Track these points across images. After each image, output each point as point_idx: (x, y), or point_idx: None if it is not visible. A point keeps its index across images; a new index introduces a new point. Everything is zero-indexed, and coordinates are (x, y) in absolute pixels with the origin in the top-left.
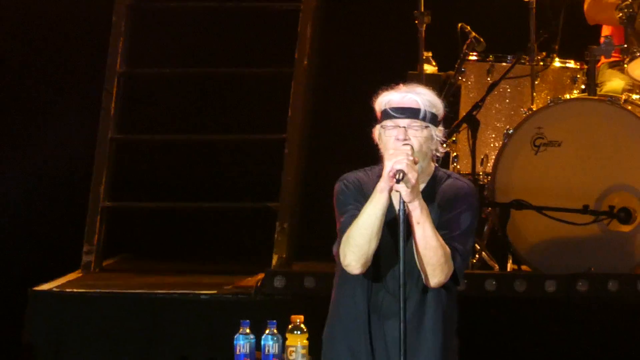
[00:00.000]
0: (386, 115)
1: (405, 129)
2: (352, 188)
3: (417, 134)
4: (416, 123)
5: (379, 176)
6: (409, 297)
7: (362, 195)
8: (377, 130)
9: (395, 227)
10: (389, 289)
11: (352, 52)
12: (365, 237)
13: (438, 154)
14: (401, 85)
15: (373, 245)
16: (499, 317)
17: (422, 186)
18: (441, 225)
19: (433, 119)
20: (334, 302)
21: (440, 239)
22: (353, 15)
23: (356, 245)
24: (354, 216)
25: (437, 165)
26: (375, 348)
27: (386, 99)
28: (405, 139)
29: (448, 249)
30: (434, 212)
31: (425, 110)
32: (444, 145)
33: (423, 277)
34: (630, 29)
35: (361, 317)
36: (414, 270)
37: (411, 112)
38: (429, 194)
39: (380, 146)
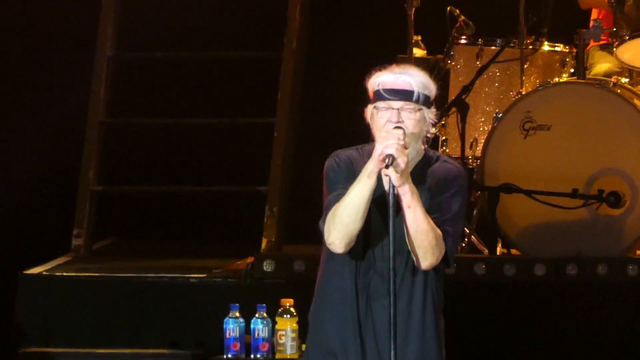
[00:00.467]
0: (379, 96)
1: (398, 111)
2: (343, 166)
3: (410, 116)
4: (409, 105)
5: (370, 155)
6: (397, 278)
7: (353, 174)
8: (369, 111)
9: (384, 208)
10: (377, 269)
11: (341, 36)
12: (350, 217)
13: (429, 135)
14: (394, 65)
15: (358, 225)
16: (488, 301)
17: (412, 167)
18: (432, 208)
19: (426, 101)
20: (321, 281)
21: (431, 222)
22: None
23: (341, 224)
24: (341, 195)
25: (426, 146)
26: (363, 329)
27: (379, 80)
28: (398, 122)
29: (439, 232)
30: (424, 194)
31: (418, 92)
32: (435, 127)
33: (414, 259)
34: (620, 12)
35: (348, 297)
36: (404, 252)
37: (404, 94)
38: (419, 175)
39: (372, 127)
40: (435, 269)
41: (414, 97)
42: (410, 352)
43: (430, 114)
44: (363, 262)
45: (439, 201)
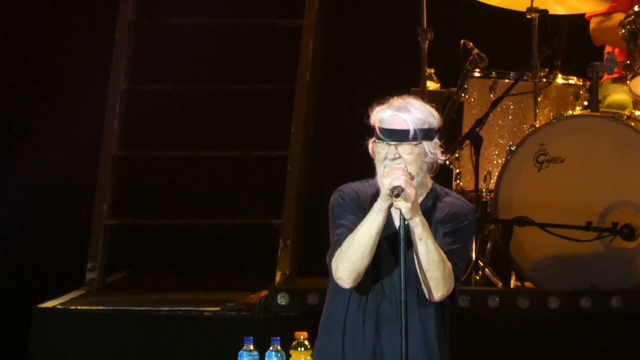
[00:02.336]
0: (377, 135)
1: (395, 146)
2: (349, 200)
3: (407, 150)
4: (405, 144)
5: (376, 187)
6: (408, 308)
7: (359, 206)
8: (371, 144)
9: (393, 240)
10: (385, 296)
11: (354, 69)
12: (358, 254)
13: (439, 161)
14: (395, 99)
15: (365, 262)
16: (502, 333)
17: (420, 199)
18: (442, 238)
19: (426, 135)
20: (327, 314)
21: (442, 253)
22: (355, 32)
23: (349, 261)
24: (349, 230)
25: (433, 175)
26: (372, 354)
27: (378, 117)
28: (394, 158)
29: (449, 264)
30: (433, 228)
31: (415, 130)
32: (444, 154)
33: (426, 291)
34: (633, 45)
35: (355, 324)
36: (413, 284)
37: (400, 134)
38: (427, 209)
39: (375, 159)
40: (442, 304)
41: (410, 136)
42: None
43: (431, 146)
44: (373, 290)
45: (447, 231)
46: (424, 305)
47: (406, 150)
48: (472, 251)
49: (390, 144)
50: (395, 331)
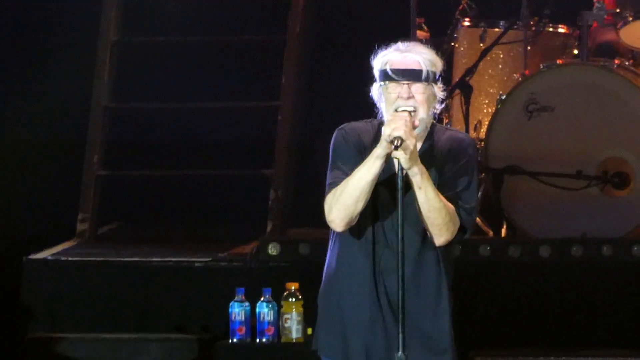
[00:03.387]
0: (387, 76)
1: (408, 86)
2: (351, 140)
3: (420, 90)
4: (418, 83)
5: (380, 128)
6: (413, 253)
7: (360, 149)
8: (376, 89)
9: (394, 187)
10: (389, 243)
11: (345, 19)
12: (352, 198)
13: (436, 111)
14: (399, 43)
15: (360, 206)
16: (494, 282)
17: (421, 142)
18: (443, 183)
19: (434, 78)
20: (331, 262)
21: (443, 199)
22: None
23: (343, 204)
24: (346, 174)
25: (434, 121)
26: (378, 303)
27: (386, 59)
28: (409, 97)
29: (452, 207)
30: (434, 168)
31: (427, 71)
32: (441, 103)
33: (429, 236)
34: None
35: (363, 273)
36: (419, 227)
37: (413, 74)
38: (429, 150)
39: (381, 105)
40: (448, 243)
41: (423, 76)
42: (425, 325)
43: (438, 89)
44: (374, 238)
45: (449, 175)
46: (430, 250)
47: (419, 89)
48: (477, 186)
49: (403, 84)
50: (398, 277)
